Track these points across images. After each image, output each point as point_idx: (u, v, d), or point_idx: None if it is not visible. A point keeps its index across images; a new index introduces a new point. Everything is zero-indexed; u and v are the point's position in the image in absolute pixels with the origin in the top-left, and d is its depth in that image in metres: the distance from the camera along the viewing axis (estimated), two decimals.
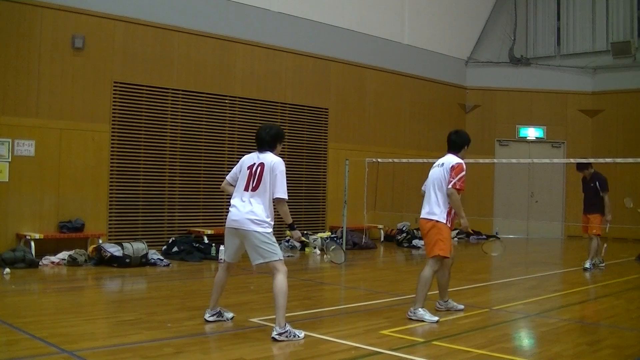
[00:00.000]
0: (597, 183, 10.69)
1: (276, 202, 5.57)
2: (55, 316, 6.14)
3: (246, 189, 5.59)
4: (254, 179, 5.57)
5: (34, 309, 6.54)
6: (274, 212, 5.66)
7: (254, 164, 5.62)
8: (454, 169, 6.26)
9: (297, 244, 12.70)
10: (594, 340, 5.71)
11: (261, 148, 5.69)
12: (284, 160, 5.70)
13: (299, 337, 5.33)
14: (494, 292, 8.88)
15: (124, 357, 4.72)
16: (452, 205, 6.31)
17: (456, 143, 6.57)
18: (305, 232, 13.11)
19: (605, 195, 10.61)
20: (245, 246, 5.60)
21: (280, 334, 5.28)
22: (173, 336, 5.39)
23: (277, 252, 5.50)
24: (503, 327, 6.37)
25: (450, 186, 6.23)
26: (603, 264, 10.96)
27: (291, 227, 5.76)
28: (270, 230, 5.55)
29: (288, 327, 5.34)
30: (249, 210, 5.50)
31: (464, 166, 6.32)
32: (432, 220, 6.32)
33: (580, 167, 10.92)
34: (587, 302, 8.16)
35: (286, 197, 5.54)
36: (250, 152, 5.83)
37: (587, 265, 10.57)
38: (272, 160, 5.58)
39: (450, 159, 6.42)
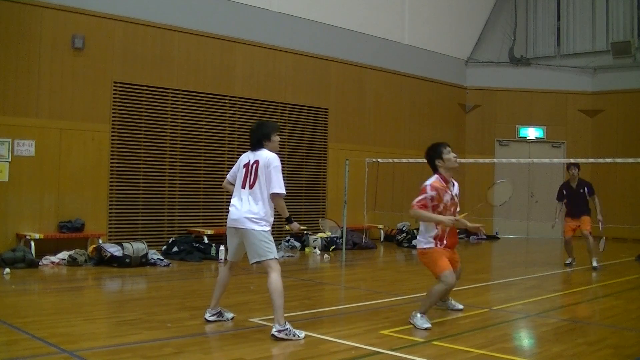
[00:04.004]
0: (585, 189, 11.09)
1: (273, 197, 5.60)
2: (55, 316, 6.14)
3: (243, 187, 5.68)
4: (250, 177, 5.65)
5: (34, 309, 6.54)
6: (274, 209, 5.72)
7: (250, 161, 5.71)
8: (420, 191, 6.00)
9: (297, 244, 12.70)
10: (594, 340, 5.71)
11: (254, 146, 5.78)
12: (284, 160, 5.75)
13: (299, 336, 5.34)
14: (494, 292, 8.89)
15: (124, 357, 4.72)
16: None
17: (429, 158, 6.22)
18: (305, 232, 13.12)
19: (595, 197, 11.07)
20: (245, 244, 5.65)
21: (279, 331, 5.31)
22: (173, 336, 5.40)
23: (272, 251, 5.54)
24: (503, 327, 6.37)
25: (413, 204, 5.94)
26: (574, 263, 11.23)
27: (289, 220, 5.81)
28: (268, 228, 5.60)
29: (288, 325, 5.35)
30: (247, 209, 5.57)
31: (428, 189, 5.93)
32: (419, 249, 6.18)
33: (577, 166, 11.15)
34: (587, 302, 8.17)
35: (283, 192, 5.57)
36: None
37: (595, 264, 10.71)
38: (266, 156, 5.64)
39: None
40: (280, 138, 5.98)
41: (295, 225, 5.97)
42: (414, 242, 13.82)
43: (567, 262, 11.25)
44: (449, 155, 6.02)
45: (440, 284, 5.95)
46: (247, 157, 5.80)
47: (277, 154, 5.75)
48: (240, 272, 8.65)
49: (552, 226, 11.32)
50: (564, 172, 17.45)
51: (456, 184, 6.26)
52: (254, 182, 5.62)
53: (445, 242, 6.04)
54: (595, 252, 10.74)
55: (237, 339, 5.41)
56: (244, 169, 5.73)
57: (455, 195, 6.13)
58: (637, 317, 6.90)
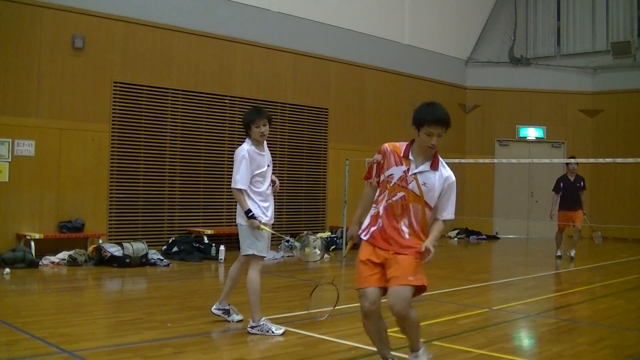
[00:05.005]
0: (582, 183, 12.00)
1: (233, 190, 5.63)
2: (55, 316, 6.14)
3: None
4: None
5: (34, 309, 6.54)
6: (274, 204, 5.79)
7: None
8: None
9: (297, 244, 12.68)
10: (594, 340, 5.71)
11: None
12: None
13: (273, 332, 5.42)
14: (494, 292, 8.88)
15: (124, 357, 4.72)
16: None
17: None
18: (305, 232, 13.11)
19: (583, 193, 12.13)
20: None
21: (252, 327, 5.46)
22: (173, 336, 5.40)
23: (253, 247, 5.59)
24: (503, 327, 6.37)
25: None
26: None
27: (246, 214, 5.53)
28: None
29: (262, 322, 5.45)
30: (238, 204, 5.68)
31: (378, 151, 4.30)
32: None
33: (575, 164, 12.04)
34: (587, 302, 8.16)
35: (235, 186, 5.54)
36: None
37: (573, 254, 11.93)
38: (237, 150, 5.70)
39: None
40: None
41: (254, 224, 5.51)
42: None
43: (558, 254, 12.15)
44: (425, 136, 4.02)
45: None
46: None
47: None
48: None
49: (551, 216, 12.19)
50: (564, 172, 17.52)
51: (441, 173, 4.11)
52: None
53: (371, 234, 4.17)
54: (576, 245, 12.14)
55: (237, 339, 5.42)
56: None
57: (421, 184, 4.06)
58: (637, 317, 6.91)
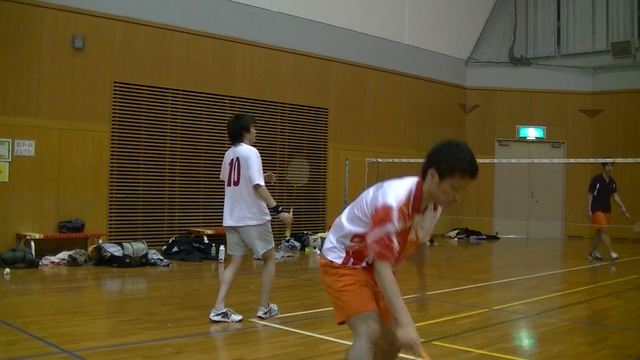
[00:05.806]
0: (614, 184, 12.02)
1: (255, 189, 5.84)
2: (55, 316, 6.14)
3: (229, 184, 5.99)
4: (234, 174, 5.94)
5: (34, 309, 6.53)
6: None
7: (232, 159, 6.00)
8: (378, 212, 3.08)
9: (297, 244, 12.70)
10: (594, 340, 5.71)
11: (234, 139, 6.06)
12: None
13: (274, 311, 6.07)
14: (494, 292, 8.88)
15: (124, 357, 4.72)
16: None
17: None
18: (305, 232, 13.12)
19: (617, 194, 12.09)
20: (245, 241, 5.97)
21: (265, 313, 6.01)
22: (173, 336, 5.40)
23: (271, 241, 5.97)
24: (503, 327, 6.37)
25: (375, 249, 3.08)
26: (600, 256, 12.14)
27: (275, 209, 5.93)
28: (264, 221, 5.91)
29: (270, 306, 6.02)
30: (239, 207, 5.87)
31: (395, 214, 3.02)
32: (326, 259, 3.32)
33: (612, 165, 12.11)
34: (587, 302, 8.16)
35: (261, 183, 5.81)
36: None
37: (615, 255, 11.74)
38: (244, 151, 5.92)
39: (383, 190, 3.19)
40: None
41: (284, 216, 6.01)
42: None
43: (599, 255, 11.98)
44: (450, 189, 3.08)
45: (358, 342, 3.15)
46: (229, 154, 6.08)
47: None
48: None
49: (588, 217, 12.18)
50: (564, 172, 17.55)
51: (434, 211, 3.29)
52: (238, 179, 5.89)
53: (367, 262, 3.28)
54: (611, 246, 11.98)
55: (236, 339, 5.42)
56: (229, 167, 6.01)
57: (418, 229, 3.23)
58: (637, 317, 6.90)
